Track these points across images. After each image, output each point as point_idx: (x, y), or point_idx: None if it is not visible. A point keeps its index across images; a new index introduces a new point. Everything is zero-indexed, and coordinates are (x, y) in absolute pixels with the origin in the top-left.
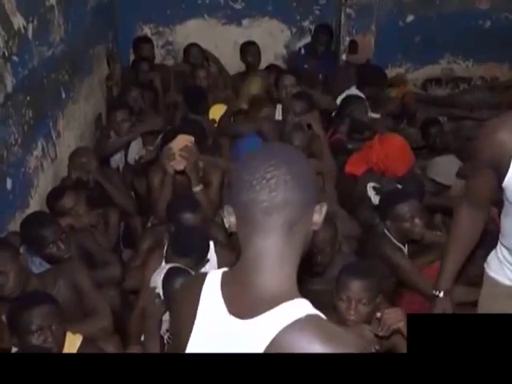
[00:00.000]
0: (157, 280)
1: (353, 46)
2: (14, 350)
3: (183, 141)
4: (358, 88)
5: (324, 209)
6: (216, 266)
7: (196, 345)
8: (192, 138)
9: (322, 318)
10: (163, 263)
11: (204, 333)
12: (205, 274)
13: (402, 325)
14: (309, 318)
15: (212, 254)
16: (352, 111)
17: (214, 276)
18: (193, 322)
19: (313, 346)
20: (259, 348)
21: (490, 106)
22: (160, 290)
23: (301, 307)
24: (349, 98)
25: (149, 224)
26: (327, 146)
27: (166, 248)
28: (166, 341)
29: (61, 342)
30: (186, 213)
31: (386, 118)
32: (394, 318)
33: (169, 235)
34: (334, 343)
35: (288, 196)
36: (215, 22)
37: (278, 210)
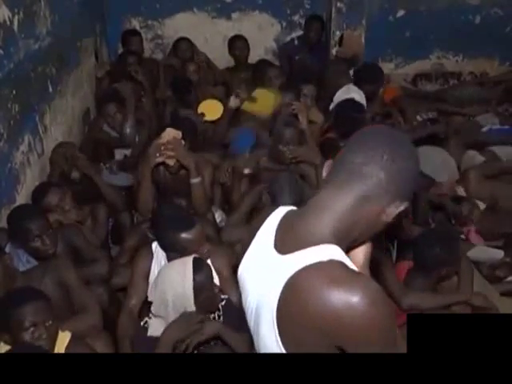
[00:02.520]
0: (184, 275)
1: (340, 39)
2: (5, 346)
3: (170, 134)
4: (356, 85)
5: (401, 208)
6: (209, 262)
7: (245, 266)
8: (179, 133)
9: (343, 264)
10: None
11: (252, 257)
12: (275, 208)
13: None
14: (330, 262)
15: None
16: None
17: (281, 210)
18: (249, 245)
19: (322, 287)
20: (282, 282)
21: (480, 102)
22: (190, 284)
23: (328, 251)
24: (350, 104)
25: (135, 221)
26: (312, 137)
27: (154, 243)
28: None
29: (54, 339)
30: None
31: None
32: None
33: (159, 227)
34: (343, 289)
35: (375, 172)
36: (204, 15)
37: (359, 176)
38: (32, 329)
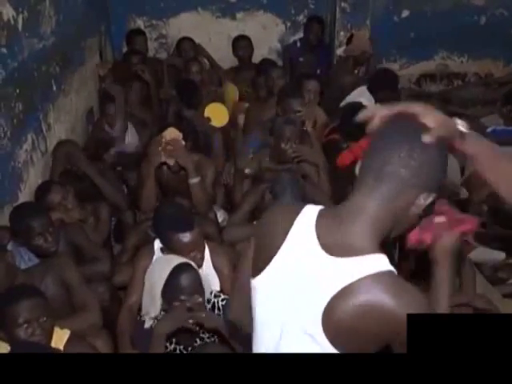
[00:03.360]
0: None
1: (349, 38)
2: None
3: (172, 134)
4: (370, 91)
5: (430, 199)
6: (210, 261)
7: (278, 268)
8: (180, 134)
9: (396, 275)
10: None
11: (290, 258)
12: (301, 206)
13: None
14: (388, 273)
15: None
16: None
17: (310, 210)
18: (278, 247)
19: (385, 297)
20: (337, 285)
21: (485, 103)
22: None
23: (382, 262)
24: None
25: (137, 219)
26: (316, 139)
27: (156, 241)
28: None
29: (49, 336)
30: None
31: None
32: None
33: (158, 224)
34: (403, 298)
35: (396, 171)
36: (209, 15)
37: (382, 179)
38: (26, 325)
